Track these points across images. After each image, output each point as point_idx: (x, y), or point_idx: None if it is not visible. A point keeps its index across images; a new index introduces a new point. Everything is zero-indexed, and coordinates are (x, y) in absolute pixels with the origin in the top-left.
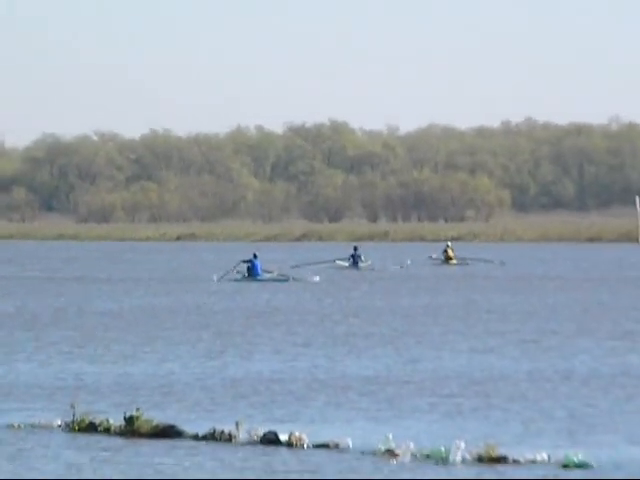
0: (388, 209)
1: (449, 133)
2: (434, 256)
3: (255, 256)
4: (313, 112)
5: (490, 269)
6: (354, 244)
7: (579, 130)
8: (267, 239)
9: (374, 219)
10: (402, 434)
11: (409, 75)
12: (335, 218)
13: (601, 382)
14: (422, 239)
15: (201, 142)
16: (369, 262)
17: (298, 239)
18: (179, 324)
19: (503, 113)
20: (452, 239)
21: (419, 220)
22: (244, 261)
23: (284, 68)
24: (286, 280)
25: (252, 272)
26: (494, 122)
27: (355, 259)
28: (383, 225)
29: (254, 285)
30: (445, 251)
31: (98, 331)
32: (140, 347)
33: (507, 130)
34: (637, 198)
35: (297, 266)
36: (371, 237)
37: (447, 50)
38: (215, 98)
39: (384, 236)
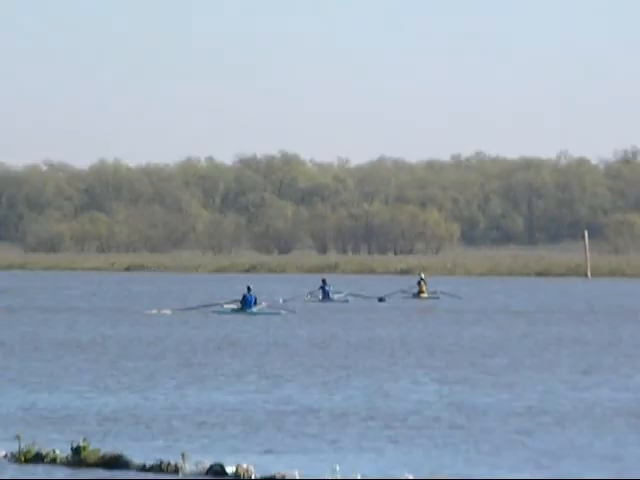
0: (338, 241)
1: (399, 166)
2: (405, 289)
3: (249, 289)
4: (264, 144)
5: (458, 303)
6: (322, 277)
7: (528, 165)
8: (217, 270)
9: (324, 251)
10: (354, 466)
11: (360, 108)
12: (285, 250)
13: (560, 416)
14: (372, 271)
15: (151, 173)
16: (343, 294)
17: (248, 270)
18: (147, 354)
19: (453, 147)
20: (401, 272)
21: (369, 252)
22: (241, 300)
23: (235, 100)
24: (278, 313)
25: (244, 305)
26: (444, 156)
27: (325, 291)
28: (333, 257)
29: (240, 317)
30: (419, 284)
31: (55, 361)
32: (97, 377)
33: (457, 164)
34: (586, 232)
35: (286, 300)
36: (321, 269)
37: (397, 84)
38: (166, 129)
39: (334, 268)
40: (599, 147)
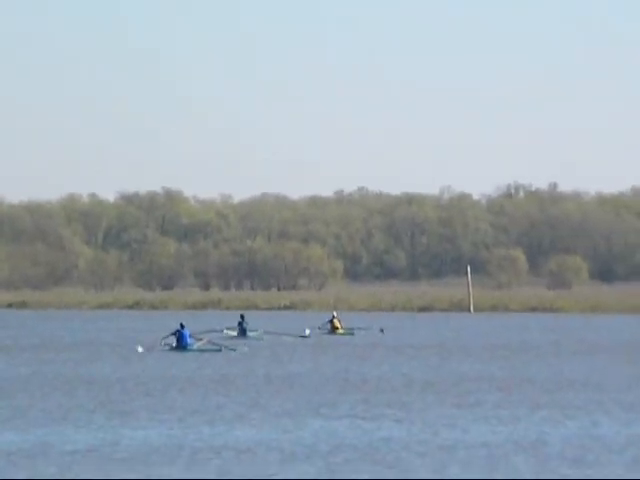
0: (221, 277)
1: (282, 202)
2: (320, 326)
3: (182, 326)
4: (146, 180)
5: (373, 337)
6: (240, 312)
7: (411, 200)
8: (99, 307)
9: (207, 287)
10: None
11: (241, 144)
12: (168, 286)
13: (456, 452)
14: (255, 307)
15: (32, 210)
16: (260, 331)
17: (131, 307)
18: (58, 392)
19: (336, 183)
20: (285, 307)
21: (252, 288)
22: (172, 333)
23: (116, 136)
24: (219, 349)
25: (181, 342)
26: (327, 192)
27: (243, 328)
28: (216, 293)
29: (175, 356)
30: (331, 321)
31: None
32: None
33: (340, 199)
34: (468, 268)
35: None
36: (204, 305)
37: (279, 118)
38: (47, 165)
39: (217, 304)
40: (481, 182)
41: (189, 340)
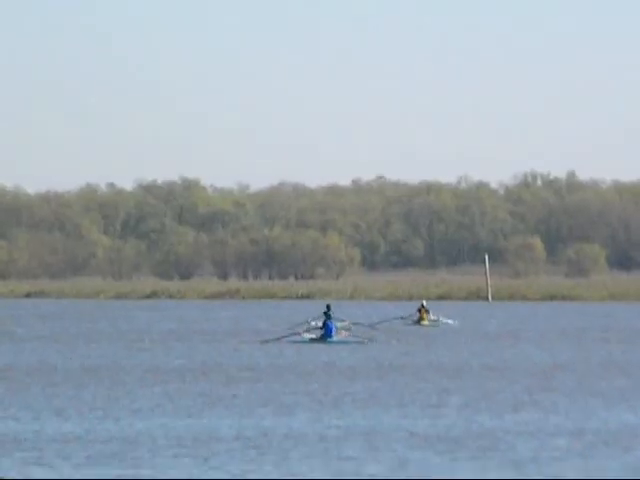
0: (239, 267)
1: (300, 191)
2: (405, 316)
3: (329, 317)
4: (165, 169)
5: (455, 328)
6: (327, 303)
7: (429, 189)
8: (117, 296)
9: (225, 277)
10: None
11: (259, 133)
12: (186, 276)
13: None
14: (273, 297)
15: (51, 199)
16: (346, 322)
17: (149, 296)
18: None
19: (354, 171)
20: (302, 297)
21: (270, 278)
22: (320, 327)
23: (134, 125)
24: (362, 342)
25: (325, 333)
26: (345, 180)
27: (328, 319)
28: (234, 283)
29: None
30: (419, 311)
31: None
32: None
33: (358, 188)
34: (486, 256)
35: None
36: (222, 295)
37: (296, 108)
38: (65, 155)
39: (235, 294)
40: (499, 171)
41: (333, 332)
